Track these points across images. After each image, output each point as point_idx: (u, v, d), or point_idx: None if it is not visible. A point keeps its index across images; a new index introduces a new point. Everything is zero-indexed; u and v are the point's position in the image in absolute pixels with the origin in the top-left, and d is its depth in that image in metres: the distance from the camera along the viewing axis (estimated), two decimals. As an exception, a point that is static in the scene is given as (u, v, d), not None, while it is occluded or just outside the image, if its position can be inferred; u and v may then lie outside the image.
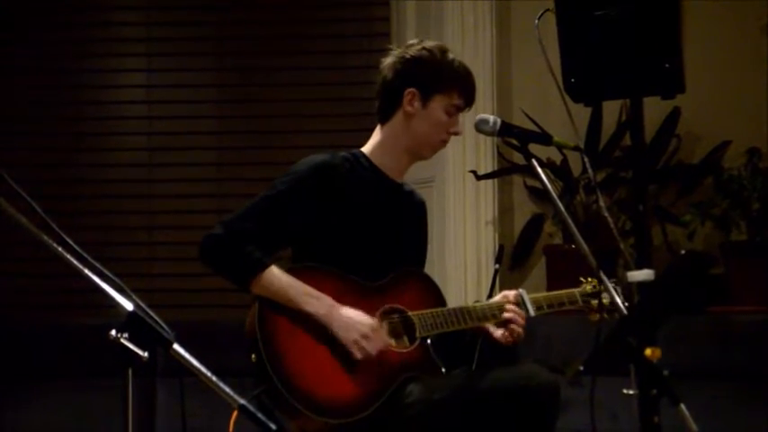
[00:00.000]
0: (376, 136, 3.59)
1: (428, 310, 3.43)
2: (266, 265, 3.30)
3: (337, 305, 3.30)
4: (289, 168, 3.47)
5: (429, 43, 3.56)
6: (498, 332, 3.53)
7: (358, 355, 3.27)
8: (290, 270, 3.34)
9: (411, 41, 3.63)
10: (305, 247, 3.44)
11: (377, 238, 3.48)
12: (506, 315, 3.50)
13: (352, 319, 3.29)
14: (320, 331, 3.28)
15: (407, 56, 3.53)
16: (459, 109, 3.52)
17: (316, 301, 3.29)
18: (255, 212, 3.37)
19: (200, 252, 3.36)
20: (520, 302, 3.55)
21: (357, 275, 3.40)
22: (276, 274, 3.30)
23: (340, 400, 3.23)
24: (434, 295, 3.52)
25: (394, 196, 3.59)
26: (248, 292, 3.32)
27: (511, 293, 3.57)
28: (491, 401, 3.27)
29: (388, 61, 3.56)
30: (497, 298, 3.58)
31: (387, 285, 3.43)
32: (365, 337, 3.28)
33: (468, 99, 3.53)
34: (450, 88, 3.49)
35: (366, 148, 3.59)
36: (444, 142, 3.56)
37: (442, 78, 3.49)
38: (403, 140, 3.53)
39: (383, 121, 3.57)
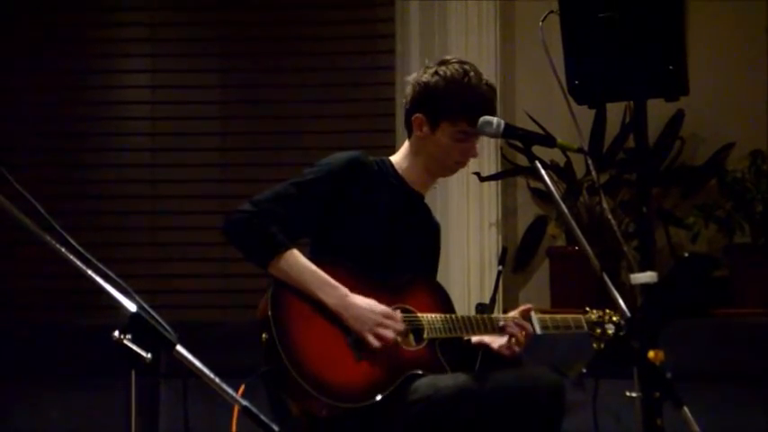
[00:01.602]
0: (404, 147, 3.66)
1: (437, 314, 3.45)
2: (289, 248, 3.33)
3: (351, 295, 3.33)
4: (318, 160, 3.51)
5: (446, 67, 3.54)
6: (497, 344, 3.55)
7: (374, 343, 3.29)
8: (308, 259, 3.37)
9: (442, 58, 3.63)
10: (323, 240, 3.47)
11: (394, 242, 3.52)
12: (508, 330, 3.52)
13: (365, 309, 3.32)
14: (333, 318, 3.31)
15: (422, 80, 3.56)
16: (471, 135, 3.51)
17: (330, 289, 3.32)
18: (284, 196, 3.40)
19: (226, 227, 3.40)
20: (527, 318, 3.57)
21: (371, 271, 3.42)
22: (297, 258, 3.34)
23: (347, 385, 3.25)
24: (444, 302, 3.55)
25: (415, 207, 3.65)
26: (266, 271, 3.35)
27: (521, 308, 3.60)
28: (496, 402, 3.28)
29: (411, 78, 3.62)
30: (511, 313, 3.61)
31: (399, 286, 3.47)
32: (379, 324, 3.30)
33: None
34: (456, 117, 3.48)
35: (394, 158, 3.66)
36: (460, 164, 3.58)
37: (450, 107, 3.50)
38: (420, 159, 3.60)
39: (409, 136, 3.62)
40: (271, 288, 3.32)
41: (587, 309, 3.70)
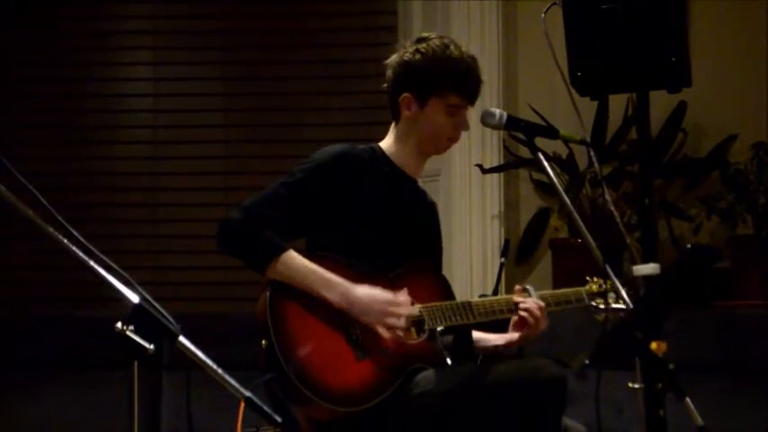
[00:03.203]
0: (391, 133, 3.61)
1: (437, 303, 3.43)
2: (284, 249, 3.29)
3: (352, 287, 3.29)
4: (308, 156, 3.46)
5: (426, 44, 3.51)
6: (503, 340, 3.55)
7: (385, 334, 3.26)
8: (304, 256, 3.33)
9: (418, 36, 3.60)
10: (319, 236, 3.44)
11: (391, 230, 3.49)
12: (522, 305, 3.51)
13: (370, 299, 3.28)
14: (332, 318, 3.28)
15: (403, 60, 3.52)
16: (460, 108, 3.50)
17: (333, 286, 3.28)
18: (274, 198, 3.36)
19: (218, 236, 3.36)
20: (526, 296, 3.56)
21: (370, 263, 3.39)
22: (294, 259, 3.29)
23: (349, 388, 3.23)
24: (443, 289, 3.53)
25: (409, 191, 3.60)
26: (264, 275, 3.30)
27: (518, 288, 3.59)
28: (497, 394, 3.27)
29: (390, 61, 3.57)
30: (515, 295, 3.59)
31: (397, 277, 3.43)
32: (386, 314, 3.28)
33: (469, 97, 3.50)
34: (444, 90, 3.46)
35: (383, 143, 3.60)
36: (452, 140, 3.56)
37: (435, 82, 3.47)
38: (412, 140, 3.55)
39: (395, 120, 3.58)
40: (268, 291, 3.28)
41: (587, 278, 3.68)
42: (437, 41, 3.52)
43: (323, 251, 3.39)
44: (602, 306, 3.61)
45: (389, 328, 3.28)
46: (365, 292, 3.31)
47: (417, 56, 3.50)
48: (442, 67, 3.48)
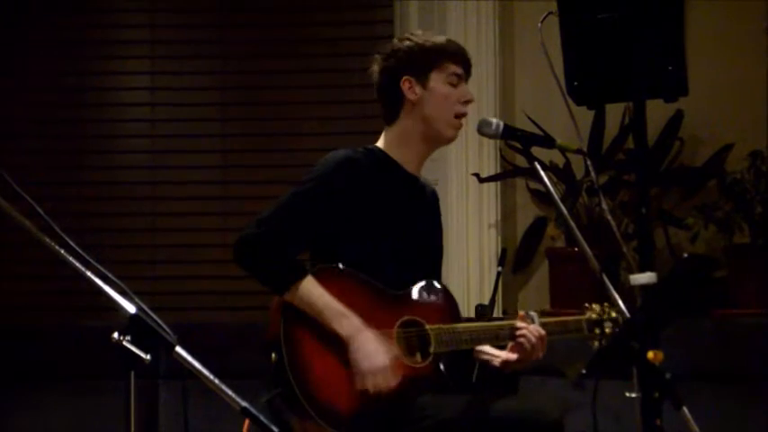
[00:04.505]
0: (386, 134, 3.58)
1: (445, 326, 3.42)
2: (304, 273, 3.27)
3: (363, 330, 3.26)
4: (314, 165, 3.46)
5: (405, 37, 3.60)
6: (498, 361, 3.54)
7: (358, 384, 3.24)
8: (314, 274, 3.30)
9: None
10: (326, 244, 3.42)
11: (397, 231, 3.49)
12: (520, 332, 3.49)
13: (371, 354, 3.25)
14: (342, 343, 3.26)
15: (386, 53, 3.58)
16: (460, 77, 3.52)
17: (345, 320, 3.25)
18: (288, 210, 3.35)
19: (237, 255, 3.31)
20: (528, 322, 3.54)
21: (377, 271, 3.38)
22: (312, 287, 3.26)
23: (352, 411, 3.22)
24: (452, 310, 3.52)
25: (411, 189, 3.59)
26: (281, 296, 3.28)
27: (521, 313, 3.58)
28: (496, 429, 3.27)
29: (373, 68, 3.62)
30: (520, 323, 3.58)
31: (407, 295, 3.43)
32: (374, 376, 3.25)
33: (464, 64, 3.54)
34: (440, 60, 3.50)
35: (379, 144, 3.59)
36: (460, 116, 3.53)
37: (428, 55, 3.51)
38: (418, 129, 3.53)
39: (391, 121, 3.57)
40: (282, 304, 3.26)
41: (587, 305, 3.66)
42: (408, 32, 3.65)
43: (330, 259, 3.38)
44: (598, 334, 3.61)
45: (364, 384, 3.25)
46: (371, 343, 3.26)
47: (404, 42, 3.57)
48: (431, 41, 3.55)
